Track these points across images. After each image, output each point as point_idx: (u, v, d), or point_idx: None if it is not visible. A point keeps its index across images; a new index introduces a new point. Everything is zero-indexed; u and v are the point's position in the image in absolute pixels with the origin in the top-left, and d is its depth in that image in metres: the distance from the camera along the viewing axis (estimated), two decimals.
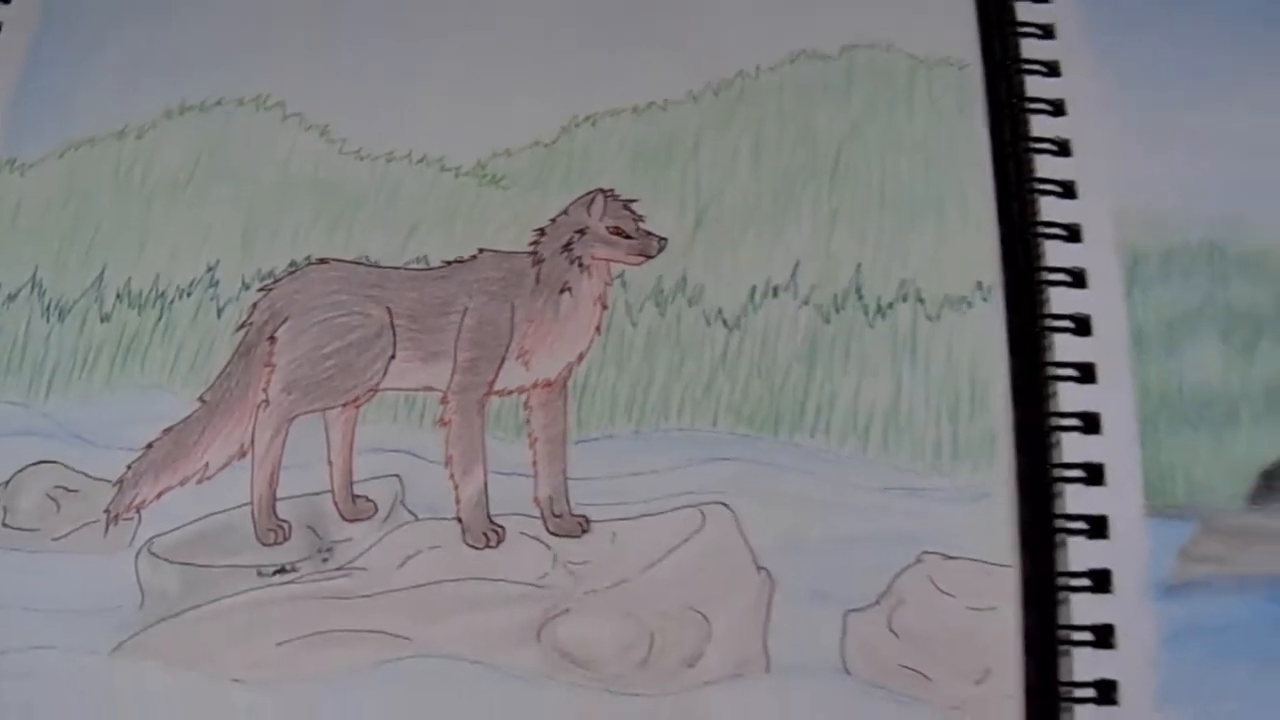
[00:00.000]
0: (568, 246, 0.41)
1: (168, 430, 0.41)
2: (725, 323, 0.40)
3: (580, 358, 0.41)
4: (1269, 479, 0.40)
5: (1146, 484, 0.39)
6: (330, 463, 0.41)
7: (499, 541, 0.39)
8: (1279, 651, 0.37)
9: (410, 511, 0.40)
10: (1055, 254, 0.41)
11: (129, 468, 0.41)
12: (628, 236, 0.41)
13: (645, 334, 0.40)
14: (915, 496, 0.39)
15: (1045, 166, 0.42)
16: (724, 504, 0.38)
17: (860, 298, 0.41)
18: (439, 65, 0.46)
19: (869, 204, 0.41)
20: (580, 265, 0.41)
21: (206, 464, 0.41)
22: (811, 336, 0.40)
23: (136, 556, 0.40)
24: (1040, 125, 0.42)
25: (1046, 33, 0.44)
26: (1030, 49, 0.44)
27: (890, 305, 0.40)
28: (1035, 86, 0.43)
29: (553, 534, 0.39)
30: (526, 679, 0.37)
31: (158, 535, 0.40)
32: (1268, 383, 0.40)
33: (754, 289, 0.40)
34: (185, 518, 0.40)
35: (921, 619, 0.38)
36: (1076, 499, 0.38)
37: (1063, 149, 0.42)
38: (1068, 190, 0.42)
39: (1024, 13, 0.44)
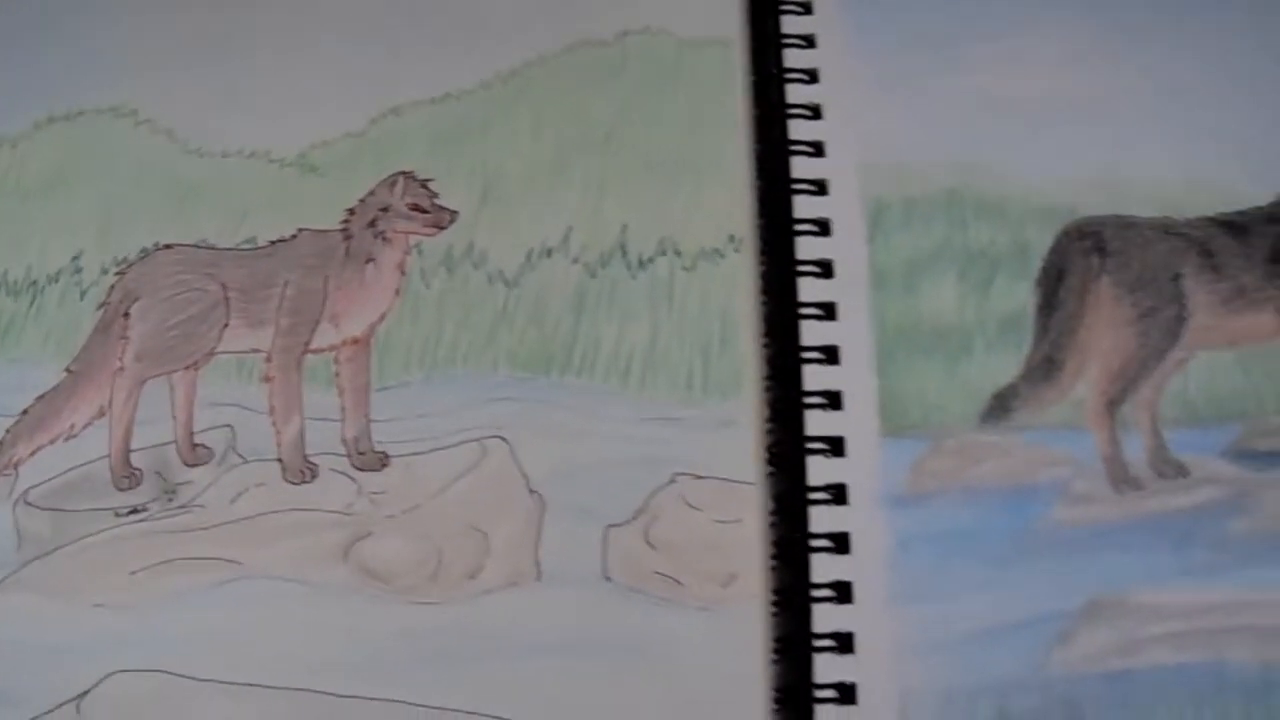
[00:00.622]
0: (372, 223, 0.48)
1: (40, 397, 0.48)
2: (505, 281, 0.46)
3: (382, 317, 0.47)
4: (1001, 400, 0.45)
5: (882, 408, 0.44)
6: (174, 417, 0.48)
7: (313, 477, 0.46)
8: (1004, 554, 0.42)
9: (240, 455, 0.47)
10: (804, 207, 0.46)
11: (7, 431, 0.48)
12: (424, 211, 0.48)
13: (437, 294, 0.46)
14: (670, 425, 0.44)
15: (799, 129, 0.47)
16: (502, 438, 0.44)
17: (625, 254, 0.46)
18: (266, 72, 0.53)
19: (635, 173, 0.47)
20: (383, 238, 0.48)
21: (72, 424, 0.48)
22: (580, 290, 0.45)
23: (14, 507, 0.47)
24: (796, 93, 0.48)
25: (805, 9, 0.50)
26: (790, 25, 0.49)
27: (651, 259, 0.46)
28: (793, 58, 0.49)
29: (358, 469, 0.45)
30: (337, 593, 0.43)
31: (32, 487, 0.47)
32: (1001, 315, 0.46)
33: (530, 251, 0.46)
34: (54, 470, 0.47)
35: (674, 531, 0.43)
36: (818, 423, 0.43)
37: (815, 113, 0.47)
38: (818, 149, 0.47)
39: None
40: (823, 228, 0.46)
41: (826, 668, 0.41)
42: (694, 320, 0.45)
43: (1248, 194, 0.48)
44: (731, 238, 0.46)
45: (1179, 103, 0.50)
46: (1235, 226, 0.48)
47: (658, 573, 0.42)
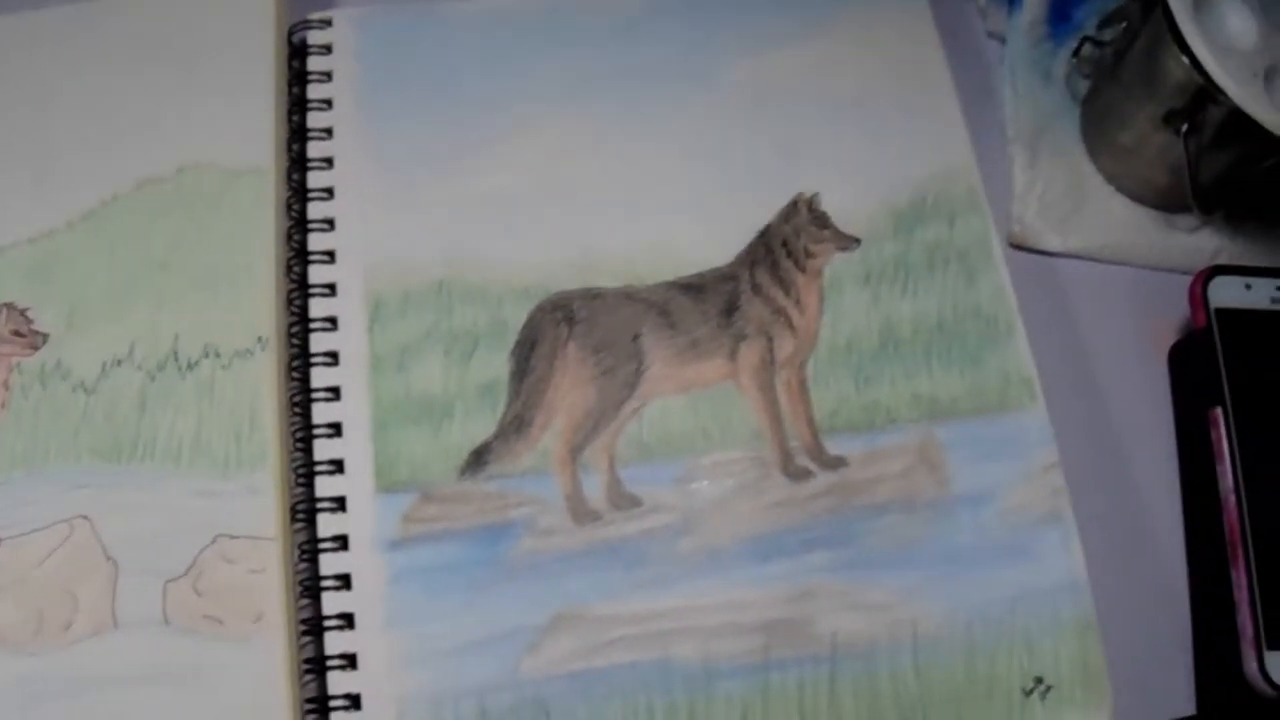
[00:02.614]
0: None
1: None
2: (85, 389, 0.58)
3: None
4: (477, 455, 0.59)
5: (377, 469, 0.57)
6: None
7: None
8: (481, 581, 0.56)
9: None
10: (318, 307, 0.60)
11: None
12: (23, 335, 0.61)
13: (34, 404, 0.58)
14: (213, 496, 0.57)
15: (316, 241, 0.61)
16: (85, 516, 0.56)
17: (177, 359, 0.59)
18: None
19: (186, 290, 0.60)
20: None
21: None
22: (142, 392, 0.58)
23: None
24: (315, 209, 0.62)
25: (327, 134, 0.63)
26: (314, 149, 0.63)
27: (197, 362, 0.59)
28: (315, 179, 0.63)
29: None
30: None
31: None
32: (480, 384, 0.59)
33: (105, 363, 0.59)
34: None
35: (216, 581, 0.56)
36: (326, 485, 0.57)
37: (330, 225, 0.61)
38: (331, 257, 0.61)
39: (312, 120, 0.64)
40: (332, 323, 0.60)
41: (339, 682, 0.54)
42: (230, 409, 0.58)
43: (707, 259, 0.62)
44: (260, 338, 0.59)
45: (645, 182, 0.63)
46: (693, 287, 0.61)
47: (205, 615, 0.55)
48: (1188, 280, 0.64)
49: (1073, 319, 0.67)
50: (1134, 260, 0.68)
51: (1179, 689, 0.60)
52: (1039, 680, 0.56)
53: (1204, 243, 0.68)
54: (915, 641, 0.56)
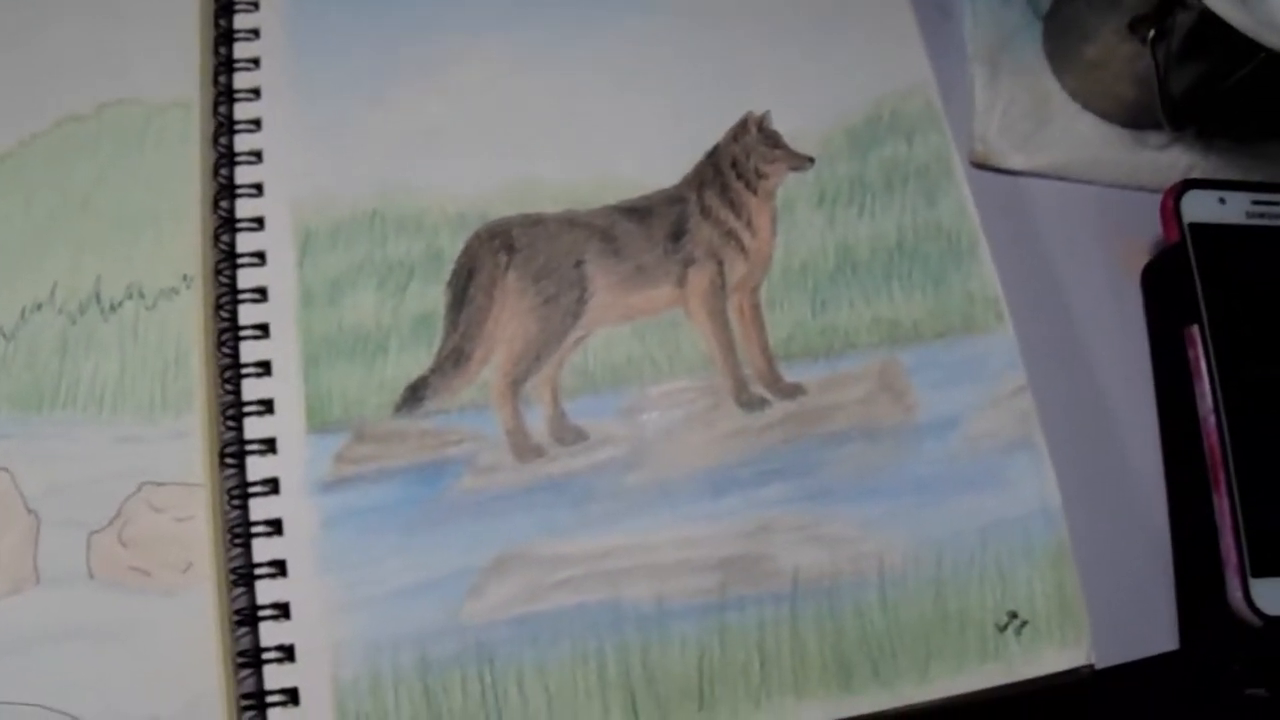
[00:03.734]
0: None
1: None
2: (4, 336, 0.52)
3: None
4: (413, 391, 0.51)
5: (309, 408, 0.51)
6: None
7: None
8: (418, 522, 0.49)
9: None
10: (246, 242, 0.53)
11: None
12: None
13: None
14: (137, 443, 0.50)
15: (244, 174, 0.54)
16: (4, 469, 0.50)
17: (99, 302, 0.53)
18: None
19: (108, 230, 0.53)
20: None
21: None
22: (63, 336, 0.51)
23: None
24: (242, 141, 0.55)
25: (254, 64, 0.56)
26: (241, 80, 0.56)
27: (120, 303, 0.52)
28: (241, 111, 0.55)
29: None
30: None
31: None
32: (415, 317, 0.53)
33: (24, 308, 0.52)
34: None
35: (142, 531, 0.50)
36: (255, 427, 0.50)
37: (258, 157, 0.54)
38: (259, 190, 0.54)
39: (239, 51, 0.56)
40: (261, 258, 0.53)
41: (271, 632, 0.48)
42: (155, 351, 0.51)
43: (652, 182, 0.55)
44: (185, 276, 0.53)
45: (585, 107, 0.57)
46: (638, 211, 0.54)
47: (131, 567, 0.49)
48: (1158, 199, 0.58)
49: (1039, 240, 0.60)
50: (1102, 179, 0.61)
51: (1161, 623, 0.54)
52: (1013, 615, 0.50)
53: (1175, 159, 0.61)
54: (881, 576, 0.49)
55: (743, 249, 0.54)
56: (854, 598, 0.49)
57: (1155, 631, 0.54)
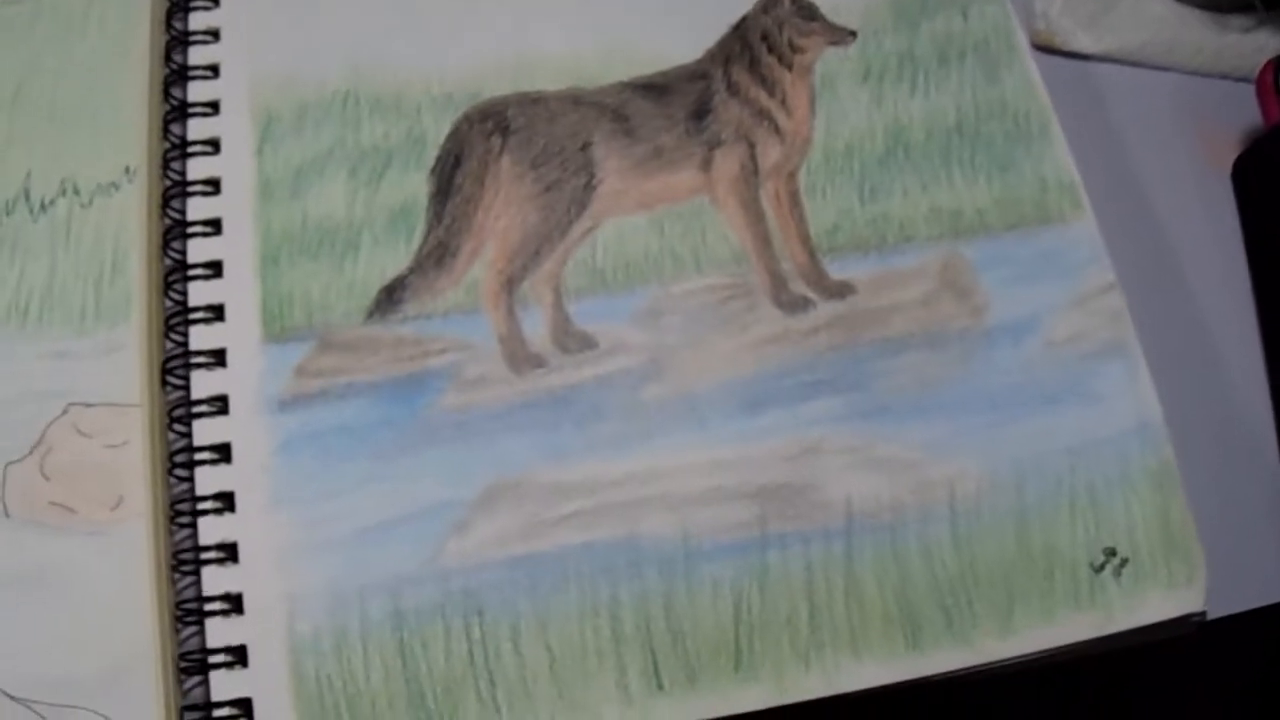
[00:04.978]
0: None
1: None
2: None
3: None
4: (389, 292, 0.39)
5: (265, 314, 0.38)
6: None
7: None
8: (390, 447, 0.37)
9: None
10: (198, 129, 0.41)
11: None
12: None
13: None
14: (64, 359, 0.38)
15: (198, 55, 0.42)
16: None
17: (28, 200, 0.40)
18: None
19: (39, 123, 0.41)
20: None
21: None
22: None
23: None
24: (198, 20, 0.42)
25: None
26: None
27: (52, 202, 0.40)
28: None
29: None
30: None
31: None
32: (392, 208, 0.40)
33: None
34: None
35: (67, 460, 0.37)
36: (202, 336, 0.38)
37: (215, 36, 0.42)
38: (215, 72, 0.41)
39: None
40: (214, 146, 0.40)
41: (216, 579, 0.35)
42: (89, 253, 0.39)
43: (670, 56, 0.43)
44: (128, 169, 0.40)
45: None
46: (655, 88, 0.42)
47: (52, 503, 0.37)
48: (1243, 88, 0.46)
49: (1112, 132, 0.46)
50: (1180, 64, 0.48)
51: (1274, 564, 0.41)
52: (1111, 552, 0.36)
53: (1263, 43, 0.47)
54: (952, 507, 0.36)
55: (777, 129, 0.41)
56: (920, 534, 0.36)
57: (1268, 578, 0.41)
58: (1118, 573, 0.38)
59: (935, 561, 0.37)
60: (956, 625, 0.36)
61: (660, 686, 0.35)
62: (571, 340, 0.38)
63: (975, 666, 0.37)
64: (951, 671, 0.37)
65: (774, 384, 0.38)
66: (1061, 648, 0.37)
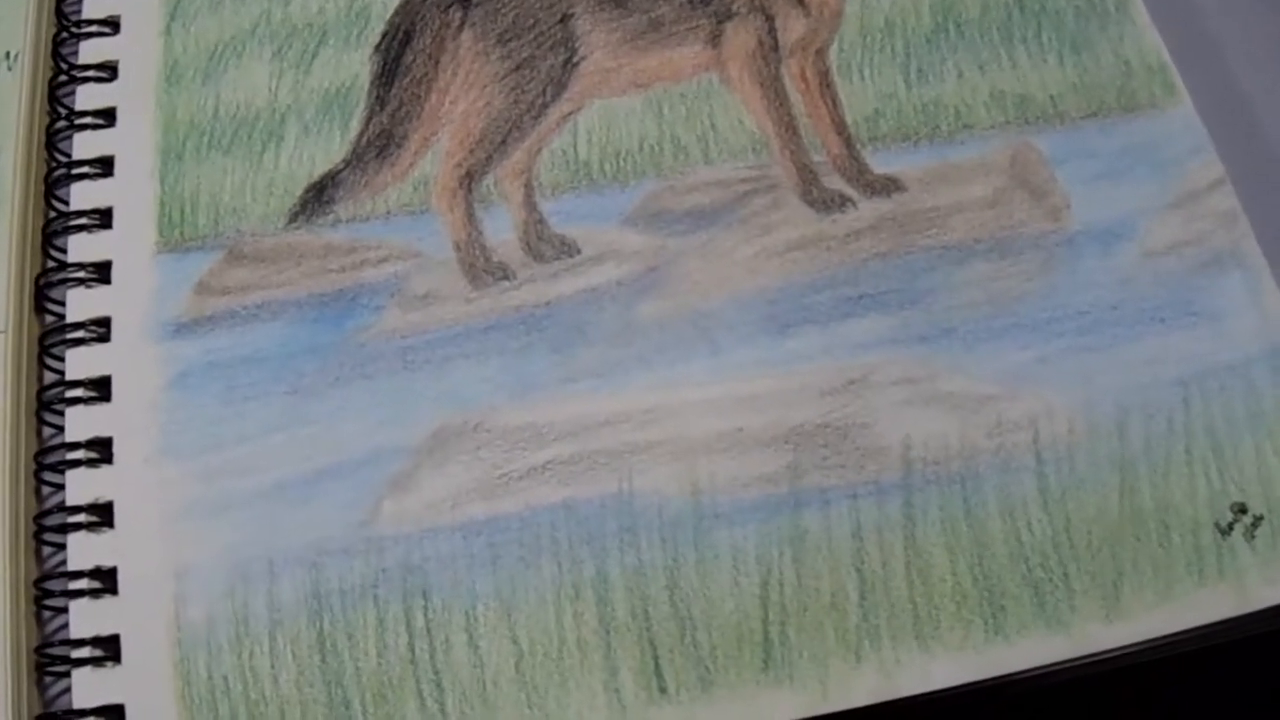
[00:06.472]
0: None
1: None
2: None
3: None
4: (319, 190, 0.27)
5: (161, 219, 0.27)
6: None
7: None
8: (315, 380, 0.25)
9: None
10: (95, 6, 0.29)
11: None
12: None
13: None
14: None
15: None
16: None
17: None
18: None
19: None
20: None
21: None
22: None
23: None
24: None
25: None
26: None
27: None
28: None
29: None
30: None
31: None
32: (326, 91, 0.28)
33: None
34: None
35: None
36: (83, 246, 0.26)
37: None
38: None
39: None
40: (112, 26, 0.29)
41: (84, 549, 0.24)
42: None
43: None
44: (8, 54, 0.29)
45: None
46: None
47: None
48: None
49: (1195, 7, 0.40)
50: None
51: None
52: (1240, 509, 0.25)
53: None
54: (1038, 454, 0.25)
55: (799, 0, 0.30)
56: (999, 488, 0.24)
57: None
58: (1250, 534, 0.26)
59: (1020, 523, 0.26)
60: (1050, 605, 0.24)
61: (662, 690, 0.23)
62: (546, 246, 0.27)
63: (1075, 660, 0.27)
64: (1045, 667, 0.27)
65: (806, 299, 0.26)
66: (1184, 633, 0.27)
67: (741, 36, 0.29)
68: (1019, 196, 0.28)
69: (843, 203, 0.28)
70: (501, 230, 0.27)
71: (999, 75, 0.30)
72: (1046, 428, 0.26)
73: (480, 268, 0.27)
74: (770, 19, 0.29)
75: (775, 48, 0.29)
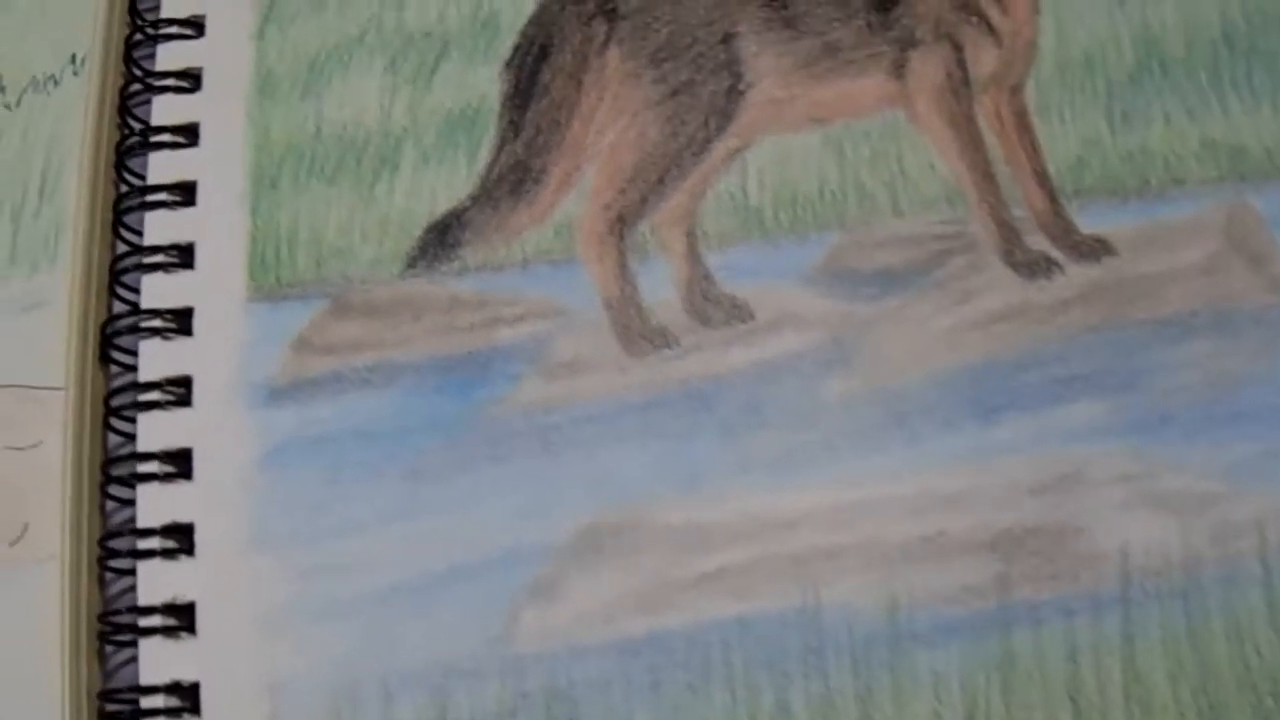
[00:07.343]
0: None
1: None
2: None
3: None
4: (441, 232, 0.22)
5: (253, 260, 0.21)
6: None
7: None
8: (436, 461, 0.20)
9: None
10: (174, 5, 0.24)
11: None
12: None
13: None
14: None
15: None
16: None
17: None
18: None
19: None
20: None
21: None
22: None
23: None
24: None
25: None
26: None
27: None
28: None
29: None
30: None
31: None
32: (448, 113, 0.23)
33: None
34: None
35: None
36: (159, 292, 0.21)
37: None
38: None
39: None
40: (196, 28, 0.23)
41: (159, 658, 0.19)
42: (9, 170, 0.23)
43: None
44: (74, 58, 0.23)
45: None
46: None
47: None
48: None
49: None
50: None
51: None
52: None
53: None
54: (1265, 563, 0.20)
55: (990, 29, 0.23)
56: (1225, 603, 0.19)
57: None
58: None
59: (1248, 645, 0.22)
60: None
61: None
62: (714, 308, 0.21)
63: None
64: None
65: (1013, 379, 0.21)
66: None
67: (929, 68, 0.24)
68: (1236, 263, 0.24)
69: (1049, 267, 0.23)
70: (659, 287, 0.22)
71: (1210, 123, 0.25)
72: (1275, 533, 0.22)
73: (636, 331, 0.21)
74: (959, 49, 0.25)
75: (966, 82, 0.25)
